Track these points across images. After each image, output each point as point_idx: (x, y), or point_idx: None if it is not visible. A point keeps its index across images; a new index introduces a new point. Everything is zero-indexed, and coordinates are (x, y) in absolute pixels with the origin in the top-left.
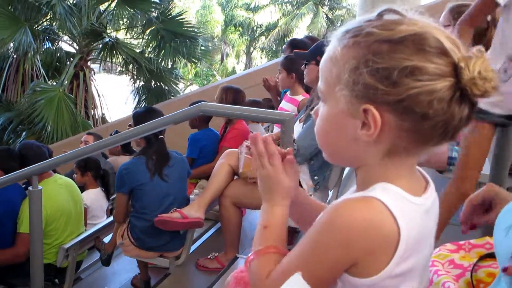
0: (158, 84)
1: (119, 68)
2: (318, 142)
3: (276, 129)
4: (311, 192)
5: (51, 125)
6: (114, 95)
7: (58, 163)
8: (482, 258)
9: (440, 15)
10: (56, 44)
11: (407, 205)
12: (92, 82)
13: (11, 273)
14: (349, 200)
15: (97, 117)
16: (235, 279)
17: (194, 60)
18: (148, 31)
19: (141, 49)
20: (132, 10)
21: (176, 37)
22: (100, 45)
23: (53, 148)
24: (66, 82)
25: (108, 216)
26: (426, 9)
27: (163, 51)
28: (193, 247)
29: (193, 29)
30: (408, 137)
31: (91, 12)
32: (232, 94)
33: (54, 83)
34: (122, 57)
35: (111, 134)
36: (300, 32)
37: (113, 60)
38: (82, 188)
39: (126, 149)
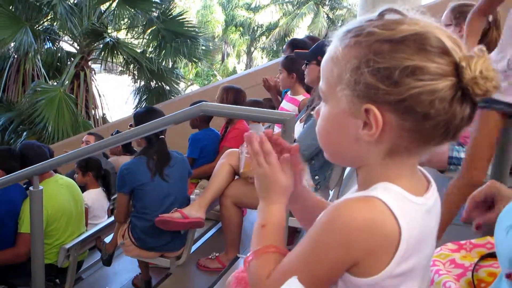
0: (159, 84)
1: (119, 68)
2: (320, 142)
3: (277, 129)
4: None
5: (52, 125)
6: (114, 95)
7: (59, 163)
8: (483, 257)
9: (442, 14)
10: (57, 44)
11: (408, 205)
12: (93, 82)
13: (12, 273)
14: (349, 199)
15: (97, 117)
16: (236, 279)
17: (195, 60)
18: (149, 31)
19: (142, 49)
20: (133, 10)
21: (177, 37)
22: (101, 45)
23: (54, 148)
24: (67, 82)
25: (109, 216)
26: (427, 8)
27: (164, 51)
28: (194, 247)
29: (194, 29)
30: (409, 136)
31: (92, 12)
32: (232, 94)
33: (55, 83)
34: (123, 57)
35: (112, 134)
36: (301, 32)
37: (114, 60)
38: (83, 188)
39: (127, 149)
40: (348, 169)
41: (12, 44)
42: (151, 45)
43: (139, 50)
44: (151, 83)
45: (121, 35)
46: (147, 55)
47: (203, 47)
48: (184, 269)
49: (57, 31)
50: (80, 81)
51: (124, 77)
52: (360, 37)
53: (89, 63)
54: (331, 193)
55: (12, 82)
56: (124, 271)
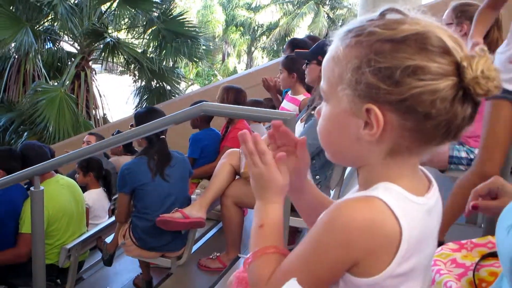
0: (160, 84)
1: (120, 68)
2: (321, 142)
3: None
4: None
5: (53, 125)
6: (115, 95)
7: (60, 163)
8: (484, 257)
9: (443, 14)
10: (58, 44)
11: (409, 205)
12: (93, 82)
13: (13, 273)
14: (350, 199)
15: (98, 117)
16: (237, 279)
17: (195, 60)
18: (149, 31)
19: (142, 49)
20: (133, 10)
21: (177, 37)
22: (102, 45)
23: (55, 148)
24: (67, 82)
25: (110, 216)
26: (428, 8)
27: (164, 51)
28: (195, 247)
29: (194, 29)
30: (410, 136)
31: (93, 12)
32: (233, 94)
33: (56, 83)
34: (124, 57)
35: (113, 134)
36: (301, 31)
37: (115, 60)
38: (84, 188)
39: (128, 149)
40: (349, 169)
41: (13, 45)
42: (151, 45)
43: (139, 50)
44: (152, 83)
45: (122, 35)
46: (148, 55)
47: (204, 47)
48: (185, 269)
49: (58, 31)
50: (81, 81)
51: (124, 77)
52: (361, 36)
53: (90, 63)
54: (332, 192)
55: (12, 83)
56: (125, 271)
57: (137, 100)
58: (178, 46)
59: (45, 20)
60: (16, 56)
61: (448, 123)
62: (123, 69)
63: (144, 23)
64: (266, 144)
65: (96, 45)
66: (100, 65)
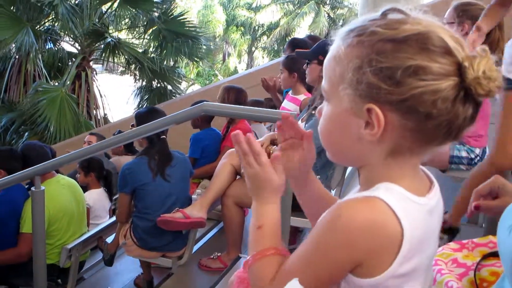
0: (161, 83)
1: (121, 68)
2: (322, 141)
3: None
4: None
5: (54, 125)
6: (116, 95)
7: (61, 163)
8: (486, 257)
9: (444, 13)
10: (58, 44)
11: (411, 205)
12: (94, 82)
13: (14, 273)
14: (351, 200)
15: (99, 117)
16: (238, 278)
17: (196, 59)
18: (150, 31)
19: (143, 49)
20: (134, 10)
21: (178, 37)
22: (102, 45)
23: (56, 148)
24: (68, 82)
25: (110, 216)
26: (430, 7)
27: (165, 51)
28: (195, 247)
29: (195, 29)
30: (411, 136)
31: (93, 12)
32: (234, 94)
33: (56, 84)
34: (124, 57)
35: (114, 134)
36: (301, 31)
37: (115, 60)
38: (85, 188)
39: (128, 149)
40: (350, 169)
41: (14, 45)
42: (152, 45)
43: (140, 50)
44: (153, 83)
45: (122, 35)
46: (149, 55)
47: (204, 47)
48: (186, 269)
49: (59, 32)
50: (82, 81)
51: (125, 77)
52: (363, 36)
53: (91, 63)
54: (332, 192)
55: (13, 83)
56: (126, 271)
57: (138, 100)
58: (179, 46)
59: (46, 20)
60: (17, 56)
61: (449, 123)
62: (123, 69)
63: (145, 23)
64: (266, 143)
65: (97, 45)
66: (101, 65)
